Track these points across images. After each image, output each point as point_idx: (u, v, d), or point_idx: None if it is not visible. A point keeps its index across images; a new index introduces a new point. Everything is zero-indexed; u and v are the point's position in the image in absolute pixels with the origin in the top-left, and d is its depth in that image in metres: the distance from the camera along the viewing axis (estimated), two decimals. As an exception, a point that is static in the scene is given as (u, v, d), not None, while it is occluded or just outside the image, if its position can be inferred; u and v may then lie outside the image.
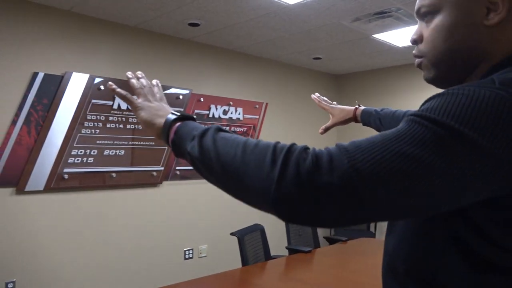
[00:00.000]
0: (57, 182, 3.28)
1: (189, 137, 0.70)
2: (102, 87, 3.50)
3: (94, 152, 3.47)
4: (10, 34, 3.07)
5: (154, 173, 3.89)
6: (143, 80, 0.91)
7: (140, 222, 3.79)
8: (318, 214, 0.54)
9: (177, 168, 4.07)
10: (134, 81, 0.90)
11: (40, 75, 3.17)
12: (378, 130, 1.42)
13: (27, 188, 3.13)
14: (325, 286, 2.34)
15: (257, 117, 4.84)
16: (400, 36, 3.99)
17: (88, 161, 3.44)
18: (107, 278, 3.54)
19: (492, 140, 0.50)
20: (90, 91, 3.44)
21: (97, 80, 3.48)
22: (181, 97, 4.09)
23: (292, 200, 0.54)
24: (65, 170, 3.31)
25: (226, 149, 0.64)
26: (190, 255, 4.14)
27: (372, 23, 3.61)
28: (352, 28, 3.75)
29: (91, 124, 3.45)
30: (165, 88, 3.95)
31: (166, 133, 0.77)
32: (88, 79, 3.43)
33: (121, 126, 3.63)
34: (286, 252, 3.31)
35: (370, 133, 0.72)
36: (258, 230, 3.08)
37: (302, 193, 0.53)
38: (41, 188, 3.20)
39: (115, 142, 3.59)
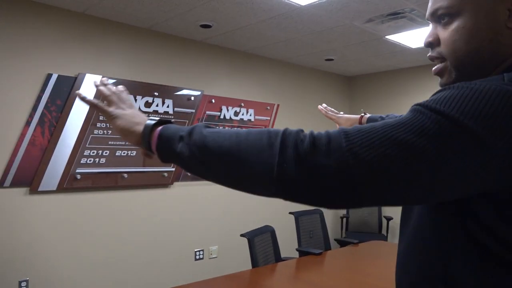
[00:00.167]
0: (70, 182, 3.32)
1: (176, 138, 0.70)
2: (114, 88, 3.53)
3: (106, 152, 3.50)
4: (25, 36, 3.12)
5: (165, 174, 3.90)
6: (111, 87, 0.89)
7: (151, 223, 3.81)
8: (317, 194, 0.56)
9: (188, 169, 4.07)
10: (103, 88, 0.87)
11: (54, 77, 3.22)
12: None
13: (41, 188, 3.17)
14: (335, 289, 2.31)
15: (269, 118, 4.83)
16: (413, 37, 3.94)
17: (100, 162, 3.48)
18: (118, 278, 3.57)
19: (493, 131, 0.51)
20: (103, 92, 3.46)
21: (109, 81, 3.50)
22: (192, 98, 4.11)
23: (294, 181, 0.56)
24: (77, 171, 3.35)
25: (220, 141, 0.64)
26: (201, 256, 4.15)
27: (385, 24, 3.58)
28: (365, 29, 3.72)
29: (103, 125, 3.48)
30: (177, 89, 3.97)
31: (147, 139, 0.75)
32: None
33: (133, 127, 3.65)
34: (296, 254, 3.29)
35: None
36: (268, 231, 3.07)
37: (302, 173, 0.55)
38: (54, 188, 3.24)
39: (127, 143, 3.62)
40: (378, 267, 2.75)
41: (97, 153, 3.46)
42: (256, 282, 2.52)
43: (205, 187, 4.16)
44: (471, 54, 0.66)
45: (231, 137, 0.64)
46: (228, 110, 4.42)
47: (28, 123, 3.11)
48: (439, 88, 0.74)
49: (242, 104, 4.55)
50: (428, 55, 0.75)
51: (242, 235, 2.80)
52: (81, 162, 3.37)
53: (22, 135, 3.08)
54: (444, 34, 0.69)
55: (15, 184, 3.06)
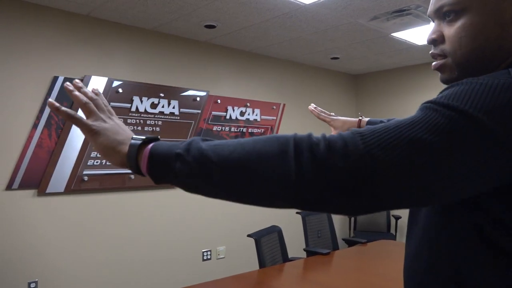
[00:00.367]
0: (77, 184, 3.33)
1: (170, 157, 0.62)
2: (120, 90, 3.55)
3: (113, 154, 3.51)
4: (30, 40, 3.14)
5: (172, 175, 3.90)
6: (87, 91, 0.75)
7: (159, 224, 3.82)
8: (336, 199, 0.54)
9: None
10: (78, 94, 0.73)
11: (60, 79, 3.23)
12: None
13: (48, 190, 3.19)
14: (343, 289, 2.30)
15: (275, 118, 4.82)
16: (419, 34, 3.91)
17: (107, 163, 3.49)
18: (126, 278, 3.58)
19: (504, 125, 0.51)
20: (109, 94, 3.48)
21: (115, 83, 3.53)
22: (198, 99, 4.11)
23: (312, 186, 0.53)
24: (84, 172, 3.36)
25: (225, 154, 0.59)
26: (208, 257, 4.15)
27: (391, 22, 3.55)
28: (370, 27, 3.69)
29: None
30: (182, 90, 3.98)
31: (134, 161, 0.67)
32: (107, 82, 3.48)
33: (139, 128, 3.67)
34: (304, 254, 3.27)
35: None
36: (275, 231, 3.06)
37: (320, 178, 0.53)
38: (62, 190, 3.26)
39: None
40: (386, 267, 2.72)
41: (104, 155, 3.47)
42: (264, 282, 2.51)
43: (212, 188, 4.15)
44: (477, 51, 0.66)
45: (236, 148, 0.59)
46: (234, 110, 4.42)
47: (35, 125, 3.13)
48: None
49: (248, 104, 4.54)
50: (430, 52, 0.74)
51: (249, 236, 2.80)
52: (88, 163, 3.39)
53: (30, 137, 3.11)
54: (450, 31, 0.68)
55: (23, 186, 3.08)
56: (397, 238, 4.97)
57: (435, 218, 0.64)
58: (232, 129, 4.40)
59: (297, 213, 3.53)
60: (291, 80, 5.04)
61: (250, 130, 4.54)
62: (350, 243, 3.61)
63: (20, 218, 3.07)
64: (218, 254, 4.23)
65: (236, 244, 4.31)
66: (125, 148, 0.68)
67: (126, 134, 0.71)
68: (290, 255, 3.13)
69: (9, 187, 3.02)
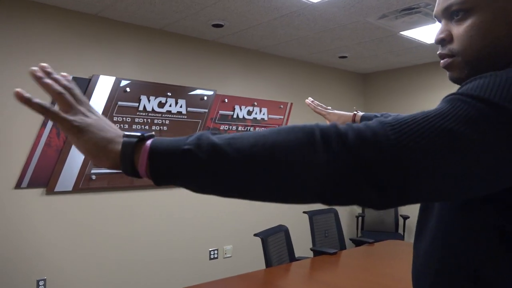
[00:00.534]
0: (85, 183, 3.35)
1: (176, 155, 0.56)
2: (128, 89, 3.56)
3: (120, 153, 3.53)
4: (39, 39, 3.17)
5: (179, 174, 3.91)
6: (60, 78, 0.63)
7: (166, 222, 3.83)
8: (367, 190, 0.51)
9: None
10: (49, 81, 0.61)
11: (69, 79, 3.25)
12: None
13: (57, 189, 3.22)
14: (350, 290, 2.28)
15: (282, 117, 4.81)
16: (428, 33, 3.87)
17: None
18: (134, 277, 3.60)
19: None
20: (117, 94, 3.50)
21: (123, 82, 3.55)
22: (205, 98, 4.11)
23: (343, 178, 0.51)
24: (92, 171, 3.39)
25: (245, 147, 0.54)
26: (215, 256, 4.16)
27: (399, 20, 3.52)
28: (379, 26, 3.66)
29: (117, 125, 3.48)
30: (190, 89, 3.98)
31: (129, 162, 0.58)
32: (115, 81, 3.50)
33: (147, 127, 3.68)
34: (310, 254, 3.26)
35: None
36: (282, 231, 3.05)
37: (351, 169, 0.50)
38: (70, 189, 3.28)
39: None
40: (394, 267, 2.70)
41: (112, 154, 3.48)
42: (270, 282, 2.50)
43: (219, 187, 4.15)
44: (487, 49, 0.65)
45: (257, 141, 0.54)
46: (241, 109, 4.41)
47: (44, 124, 3.15)
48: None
49: (255, 103, 4.54)
50: (438, 52, 0.73)
51: (255, 235, 2.79)
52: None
53: (39, 136, 3.13)
54: (459, 30, 0.68)
55: (32, 185, 3.11)
56: (405, 238, 4.94)
57: (452, 217, 0.64)
58: (240, 128, 4.40)
59: (304, 212, 3.52)
60: (298, 79, 5.02)
61: (257, 129, 4.53)
62: (357, 243, 3.59)
63: (29, 216, 3.10)
64: (225, 253, 4.23)
65: (243, 243, 4.31)
66: (117, 147, 0.59)
67: (114, 130, 0.62)
68: (296, 255, 3.12)
69: (18, 186, 3.05)
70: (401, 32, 3.87)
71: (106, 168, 0.61)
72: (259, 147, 0.53)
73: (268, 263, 2.72)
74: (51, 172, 3.19)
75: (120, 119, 3.52)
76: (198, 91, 4.06)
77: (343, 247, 3.54)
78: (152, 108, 3.72)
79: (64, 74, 0.64)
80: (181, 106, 3.91)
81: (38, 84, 0.59)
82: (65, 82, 0.62)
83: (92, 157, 0.61)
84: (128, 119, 3.57)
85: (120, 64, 3.58)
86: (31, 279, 3.07)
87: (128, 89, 3.57)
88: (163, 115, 3.79)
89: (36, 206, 3.14)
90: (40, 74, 0.60)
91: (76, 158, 3.30)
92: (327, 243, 3.47)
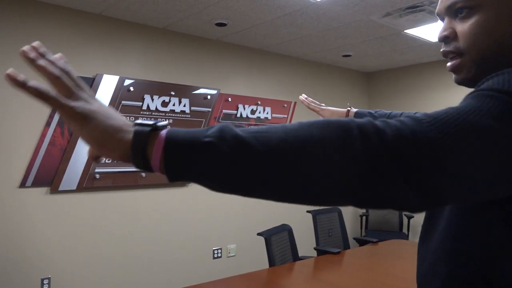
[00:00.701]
0: (89, 182, 3.36)
1: (196, 147, 0.51)
2: (131, 89, 3.57)
3: (124, 152, 3.53)
4: (42, 38, 3.17)
5: (183, 173, 3.92)
6: (54, 59, 0.56)
7: (170, 221, 3.83)
8: (408, 191, 0.49)
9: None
10: (45, 63, 0.53)
11: (73, 78, 3.26)
12: None
13: (61, 188, 3.23)
14: (354, 289, 2.28)
15: (286, 116, 4.80)
16: (432, 31, 3.84)
17: (119, 161, 3.51)
18: (137, 276, 3.61)
19: None
20: (120, 93, 3.51)
21: (127, 81, 3.55)
22: (209, 97, 4.11)
23: (383, 177, 0.48)
24: (96, 170, 3.39)
25: (272, 142, 0.50)
26: (219, 255, 4.16)
27: (403, 18, 3.50)
28: (383, 24, 3.65)
29: (121, 124, 3.51)
30: (193, 88, 3.98)
31: (141, 153, 0.52)
32: (118, 80, 3.50)
33: (150, 126, 3.68)
34: (314, 253, 3.25)
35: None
36: (285, 230, 3.04)
37: (392, 167, 0.48)
38: (74, 188, 3.29)
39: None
40: (398, 267, 2.69)
41: (115, 153, 3.49)
42: (273, 281, 2.50)
43: (223, 186, 4.15)
44: (493, 47, 0.64)
45: (287, 135, 0.50)
46: (244, 108, 4.41)
47: (48, 124, 3.16)
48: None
49: (259, 102, 4.53)
50: (442, 50, 0.72)
51: (259, 234, 2.79)
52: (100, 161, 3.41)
53: (43, 136, 3.14)
54: (463, 27, 0.67)
55: (36, 184, 3.12)
56: (409, 237, 4.92)
57: (464, 220, 0.62)
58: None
59: (307, 211, 3.51)
60: (302, 78, 5.01)
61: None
62: (361, 242, 3.58)
63: (33, 215, 3.11)
64: (229, 252, 4.23)
65: (246, 242, 4.31)
66: (127, 136, 0.53)
67: (121, 118, 0.55)
68: (300, 254, 3.11)
69: (22, 184, 3.06)
70: (405, 30, 3.85)
71: (114, 159, 0.56)
72: (290, 142, 0.50)
73: (272, 263, 2.72)
74: (55, 171, 3.20)
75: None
76: (201, 90, 4.06)
77: (347, 246, 3.53)
78: (156, 107, 3.72)
79: (60, 54, 0.57)
80: (184, 105, 3.91)
81: (31, 67, 0.52)
82: (61, 65, 0.55)
83: (98, 147, 0.54)
84: (132, 118, 3.58)
85: (124, 63, 3.59)
86: (35, 278, 3.09)
87: (131, 88, 3.57)
88: (167, 114, 3.79)
89: (40, 205, 3.15)
90: (33, 55, 0.52)
91: (80, 157, 3.31)
92: (330, 243, 3.46)
